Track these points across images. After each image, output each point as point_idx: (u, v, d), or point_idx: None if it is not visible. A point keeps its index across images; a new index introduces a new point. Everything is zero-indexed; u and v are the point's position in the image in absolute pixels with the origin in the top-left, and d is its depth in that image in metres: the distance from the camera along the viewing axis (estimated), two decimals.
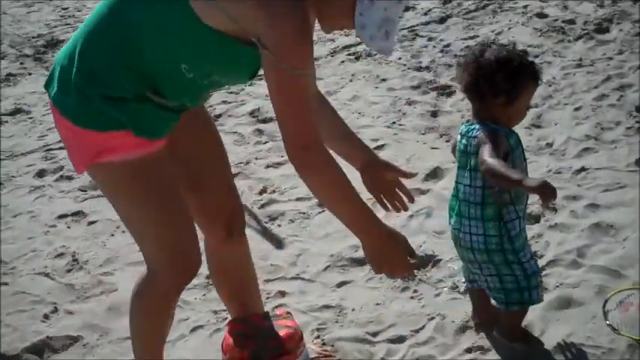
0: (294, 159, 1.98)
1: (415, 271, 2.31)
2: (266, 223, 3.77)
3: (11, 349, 2.97)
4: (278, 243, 3.60)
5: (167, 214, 2.20)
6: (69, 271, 3.56)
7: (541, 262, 3.06)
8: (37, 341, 3.00)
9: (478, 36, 5.87)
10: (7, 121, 5.46)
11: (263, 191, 4.08)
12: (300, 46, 1.93)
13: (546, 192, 2.23)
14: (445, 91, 5.04)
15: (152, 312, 2.38)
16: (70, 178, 4.58)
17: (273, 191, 4.07)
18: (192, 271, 2.30)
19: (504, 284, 2.53)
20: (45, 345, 2.99)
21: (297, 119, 1.96)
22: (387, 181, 2.41)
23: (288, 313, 2.56)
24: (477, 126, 2.49)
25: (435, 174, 4.04)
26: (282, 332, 2.38)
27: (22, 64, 6.57)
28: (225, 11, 1.95)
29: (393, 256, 2.12)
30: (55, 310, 3.25)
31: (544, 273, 3.00)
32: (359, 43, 5.73)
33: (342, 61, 5.74)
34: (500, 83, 2.42)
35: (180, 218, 2.23)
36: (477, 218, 2.51)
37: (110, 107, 2.04)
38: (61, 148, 4.95)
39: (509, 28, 5.94)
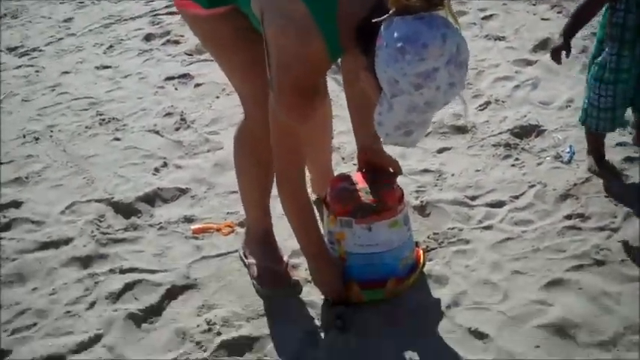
0: (277, 183, 2.34)
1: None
2: None
3: (125, 197, 3.14)
4: None
5: (262, 59, 2.21)
6: (177, 129, 3.69)
7: None
8: (148, 191, 3.17)
9: None
10: None
11: None
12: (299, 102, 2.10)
13: None
14: None
15: (253, 158, 2.48)
16: (176, 42, 4.69)
17: None
18: None
19: None
20: (156, 195, 3.16)
21: (281, 153, 2.26)
22: (379, 166, 2.52)
23: (391, 172, 2.59)
24: None
25: (544, 45, 3.92)
26: (382, 191, 2.43)
27: None
28: None
29: (323, 280, 2.42)
30: (165, 165, 3.40)
31: None
32: None
33: None
34: None
35: (256, 68, 2.26)
36: None
37: None
38: (168, 14, 5.05)
39: None
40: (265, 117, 2.23)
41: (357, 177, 2.51)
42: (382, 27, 1.83)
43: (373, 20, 1.84)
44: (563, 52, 2.70)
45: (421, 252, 2.57)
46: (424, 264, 2.54)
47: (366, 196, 2.41)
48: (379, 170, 2.53)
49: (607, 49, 2.68)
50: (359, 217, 2.37)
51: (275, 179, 2.35)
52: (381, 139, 2.08)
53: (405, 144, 2.02)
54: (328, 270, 2.41)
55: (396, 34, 1.78)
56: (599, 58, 2.71)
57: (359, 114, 2.51)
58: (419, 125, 1.93)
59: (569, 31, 2.69)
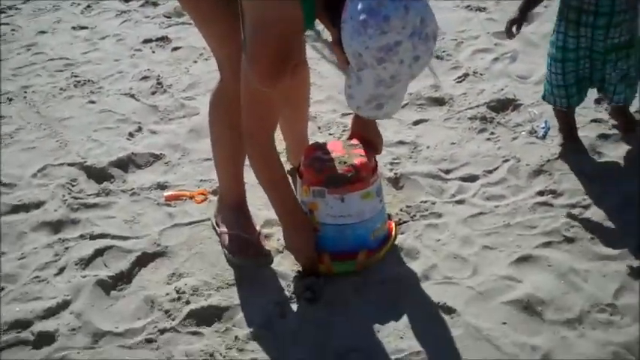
0: (245, 145, 2.32)
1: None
2: None
3: (98, 162, 3.11)
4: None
5: (236, 21, 2.18)
6: (153, 93, 3.65)
7: None
8: (122, 156, 3.14)
9: None
10: None
11: None
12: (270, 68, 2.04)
13: None
14: None
15: (228, 119, 2.45)
16: (155, 4, 4.61)
17: None
18: None
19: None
20: (129, 160, 3.13)
21: (250, 117, 2.22)
22: (366, 139, 2.50)
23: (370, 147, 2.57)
24: None
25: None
26: (356, 160, 2.42)
27: None
28: None
29: (301, 243, 2.39)
30: (140, 130, 3.37)
31: None
32: None
33: None
34: None
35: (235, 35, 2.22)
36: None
37: None
38: None
39: None
40: (240, 80, 2.22)
41: (332, 146, 2.50)
42: None
43: None
44: (515, 26, 2.76)
45: (393, 224, 2.57)
46: (396, 237, 2.54)
47: (339, 166, 2.40)
48: (364, 143, 2.51)
49: (555, 27, 2.73)
50: (332, 187, 2.37)
51: (244, 142, 2.32)
52: (354, 112, 2.06)
53: (377, 116, 2.02)
54: (301, 236, 2.39)
55: (359, 6, 1.76)
56: (552, 36, 2.76)
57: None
58: (389, 98, 1.91)
59: (525, 5, 2.74)
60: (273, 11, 1.98)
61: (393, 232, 2.54)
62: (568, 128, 2.92)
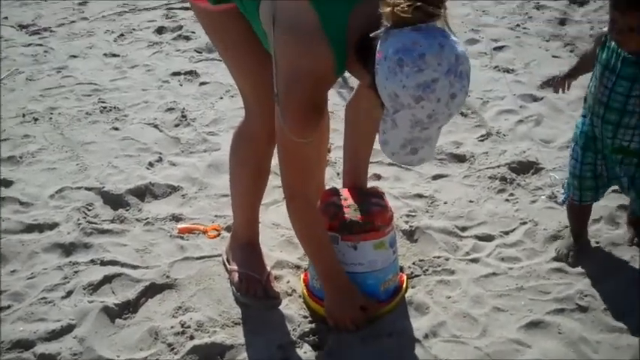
0: (286, 204, 2.29)
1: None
2: None
3: (116, 188, 3.13)
4: None
5: (265, 58, 2.19)
6: (177, 125, 3.68)
7: None
8: (140, 185, 3.15)
9: None
10: None
11: None
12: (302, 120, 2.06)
13: None
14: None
15: (248, 158, 2.45)
16: (187, 38, 4.68)
17: None
18: None
19: None
20: (147, 190, 3.14)
21: (289, 174, 2.20)
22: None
23: (382, 192, 2.58)
24: None
25: (551, 82, 3.90)
26: (372, 209, 2.41)
27: None
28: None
29: (346, 306, 2.35)
30: (160, 160, 3.39)
31: None
32: None
33: None
34: None
35: (260, 69, 2.25)
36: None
37: None
38: (182, 8, 5.04)
39: None
40: (264, 117, 2.25)
41: (349, 192, 2.49)
42: (379, 41, 1.81)
43: (370, 35, 1.83)
44: (567, 81, 2.60)
45: (405, 277, 2.55)
46: (406, 290, 2.52)
47: (354, 214, 2.38)
48: (367, 190, 2.51)
49: (583, 109, 2.55)
50: (345, 234, 2.35)
51: (285, 199, 2.30)
52: (389, 158, 2.02)
53: (412, 163, 1.97)
54: (344, 300, 2.36)
55: (393, 47, 1.76)
56: (579, 118, 2.57)
57: (354, 143, 2.53)
58: (425, 142, 1.88)
59: (571, 70, 2.60)
60: (307, 61, 1.99)
61: (404, 285, 2.51)
62: (577, 227, 2.69)
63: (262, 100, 2.26)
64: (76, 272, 2.63)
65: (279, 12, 2.00)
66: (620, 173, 2.49)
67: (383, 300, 2.42)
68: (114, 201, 3.06)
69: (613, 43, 2.34)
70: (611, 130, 2.40)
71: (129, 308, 2.48)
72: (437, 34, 1.76)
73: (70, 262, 2.69)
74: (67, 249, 2.76)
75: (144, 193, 3.12)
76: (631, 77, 2.32)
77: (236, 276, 2.55)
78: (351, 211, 2.39)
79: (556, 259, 2.66)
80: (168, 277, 2.61)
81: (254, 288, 2.51)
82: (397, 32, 1.77)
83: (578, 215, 2.68)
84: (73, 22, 5.02)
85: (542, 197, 3.04)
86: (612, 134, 2.41)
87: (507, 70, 4.11)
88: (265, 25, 2.07)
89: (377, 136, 1.98)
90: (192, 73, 4.22)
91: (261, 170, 2.49)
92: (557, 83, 2.62)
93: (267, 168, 2.50)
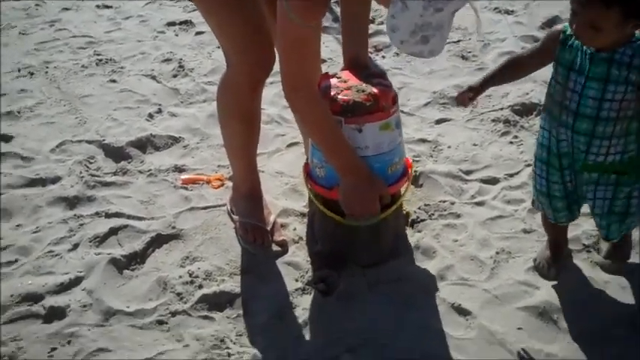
0: (287, 98, 2.17)
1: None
2: (370, 53, 3.71)
3: (116, 141, 3.10)
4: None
5: (239, 10, 2.18)
6: (174, 76, 3.64)
7: None
8: (141, 137, 3.13)
9: None
10: None
11: (370, 21, 3.99)
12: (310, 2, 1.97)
13: None
14: None
15: (235, 109, 2.41)
16: None
17: (381, 22, 3.99)
18: (265, 62, 2.28)
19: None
20: (148, 141, 3.12)
21: (291, 63, 2.08)
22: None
23: (384, 72, 2.44)
24: None
25: (552, 23, 3.87)
26: (375, 89, 2.22)
27: None
28: None
29: (366, 196, 2.24)
30: (159, 111, 3.35)
31: None
32: None
33: None
34: None
35: (253, 14, 2.22)
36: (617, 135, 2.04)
37: None
38: None
39: None
40: (244, 66, 2.24)
41: (348, 74, 2.31)
42: None
43: None
44: (471, 94, 2.17)
45: (411, 161, 2.47)
46: (412, 176, 2.42)
47: (357, 95, 2.19)
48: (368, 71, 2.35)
49: (540, 120, 2.21)
50: (349, 117, 2.18)
51: (286, 98, 2.19)
52: (396, 47, 1.91)
53: (422, 54, 1.86)
54: (364, 190, 2.23)
55: None
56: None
57: (351, 28, 2.40)
58: (436, 29, 1.79)
59: (490, 77, 2.20)
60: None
61: (411, 169, 2.42)
62: (553, 246, 2.38)
63: (240, 48, 2.23)
64: (81, 225, 2.62)
65: None
66: (597, 195, 2.14)
67: (391, 183, 2.30)
68: (115, 153, 3.03)
69: (576, 41, 2.00)
70: (584, 142, 2.05)
71: (136, 259, 2.48)
72: None
73: (75, 215, 2.68)
74: (71, 202, 2.74)
75: (145, 144, 3.10)
76: (603, 77, 1.97)
77: (240, 226, 2.55)
78: (353, 92, 2.21)
79: (535, 269, 2.38)
80: (174, 227, 2.60)
81: (260, 237, 2.50)
82: None
83: (554, 228, 2.36)
84: None
85: None
86: (585, 147, 2.05)
87: (507, 12, 4.06)
88: None
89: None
90: (187, 23, 4.16)
91: (250, 118, 2.44)
92: (460, 95, 2.19)
93: (256, 115, 2.45)
